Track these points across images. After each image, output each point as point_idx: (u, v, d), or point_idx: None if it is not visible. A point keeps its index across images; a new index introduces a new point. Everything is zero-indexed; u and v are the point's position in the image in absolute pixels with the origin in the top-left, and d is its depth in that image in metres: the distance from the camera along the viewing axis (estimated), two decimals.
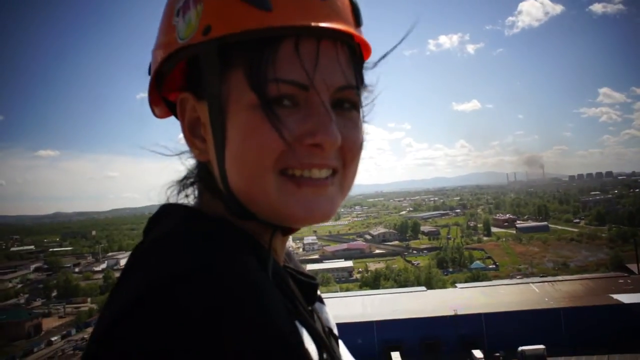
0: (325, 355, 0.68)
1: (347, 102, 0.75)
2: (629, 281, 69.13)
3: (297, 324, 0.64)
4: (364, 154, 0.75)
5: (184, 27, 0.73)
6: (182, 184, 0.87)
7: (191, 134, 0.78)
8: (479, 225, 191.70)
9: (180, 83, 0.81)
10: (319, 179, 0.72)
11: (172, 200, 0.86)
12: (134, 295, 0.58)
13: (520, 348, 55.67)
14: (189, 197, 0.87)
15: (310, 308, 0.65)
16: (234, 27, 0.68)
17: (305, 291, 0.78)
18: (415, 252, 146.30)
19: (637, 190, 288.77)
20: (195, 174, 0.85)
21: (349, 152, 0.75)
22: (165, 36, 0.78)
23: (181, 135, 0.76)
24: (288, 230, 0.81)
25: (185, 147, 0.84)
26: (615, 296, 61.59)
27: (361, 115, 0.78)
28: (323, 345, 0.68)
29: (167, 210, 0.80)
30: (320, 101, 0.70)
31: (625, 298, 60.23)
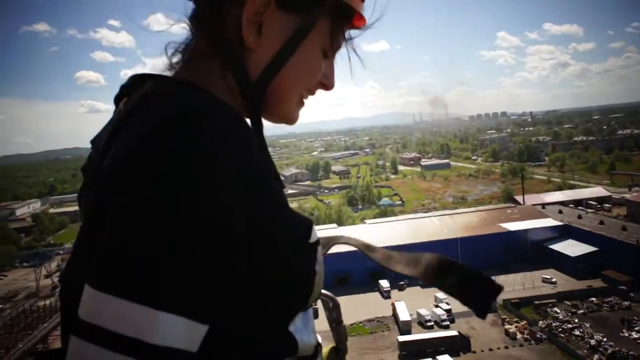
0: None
1: None
2: (515, 211, 76.67)
3: None
4: None
5: None
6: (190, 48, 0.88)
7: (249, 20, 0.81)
8: (387, 164, 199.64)
9: None
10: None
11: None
12: (146, 133, 0.63)
13: None
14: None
15: None
16: None
17: None
18: (326, 191, 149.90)
19: (527, 129, 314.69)
20: (218, 49, 0.83)
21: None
22: None
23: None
24: None
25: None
26: (503, 224, 68.30)
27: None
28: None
29: (146, 78, 0.82)
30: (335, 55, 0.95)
31: (511, 226, 67.09)
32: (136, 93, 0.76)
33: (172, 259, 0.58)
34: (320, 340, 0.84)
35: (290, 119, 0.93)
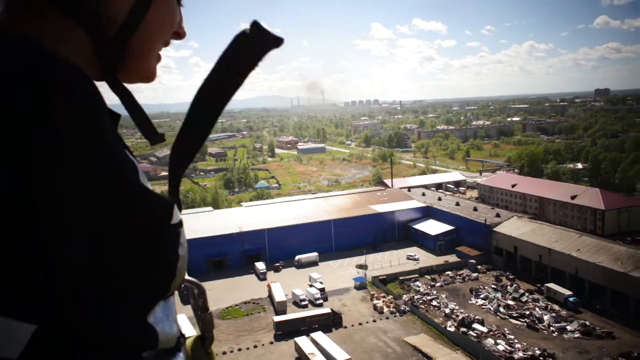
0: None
1: None
2: (384, 194, 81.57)
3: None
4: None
5: None
6: None
7: None
8: (264, 147, 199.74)
9: None
10: None
11: None
12: None
13: (297, 257, 62.19)
14: None
15: None
16: None
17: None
18: (202, 173, 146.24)
19: (396, 116, 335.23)
20: None
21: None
22: None
23: None
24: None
25: None
26: (373, 206, 72.36)
27: None
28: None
29: None
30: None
31: (381, 208, 71.40)
32: None
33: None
34: (183, 331, 0.78)
35: (151, 76, 0.84)
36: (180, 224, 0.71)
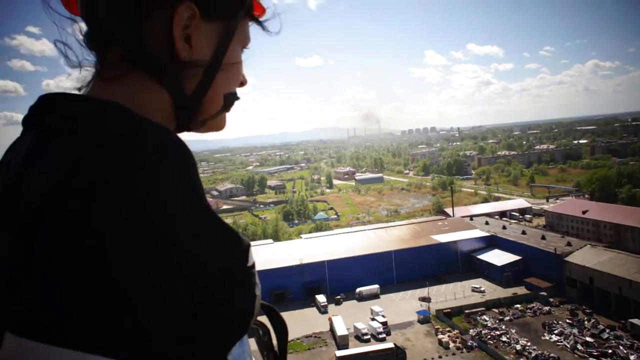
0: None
1: None
2: (445, 223, 79.43)
3: None
4: None
5: None
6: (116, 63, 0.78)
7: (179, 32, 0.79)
8: (322, 178, 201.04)
9: None
10: None
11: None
12: (66, 166, 0.56)
13: (357, 289, 61.26)
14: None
15: None
16: None
17: None
18: (262, 206, 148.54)
19: (455, 143, 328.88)
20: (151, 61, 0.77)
21: None
22: None
23: None
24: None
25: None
26: (434, 236, 70.48)
27: None
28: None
29: (58, 99, 0.73)
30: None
31: (442, 237, 69.40)
32: (51, 115, 0.69)
33: (112, 294, 0.52)
34: None
35: (222, 127, 0.93)
36: (254, 265, 0.74)
